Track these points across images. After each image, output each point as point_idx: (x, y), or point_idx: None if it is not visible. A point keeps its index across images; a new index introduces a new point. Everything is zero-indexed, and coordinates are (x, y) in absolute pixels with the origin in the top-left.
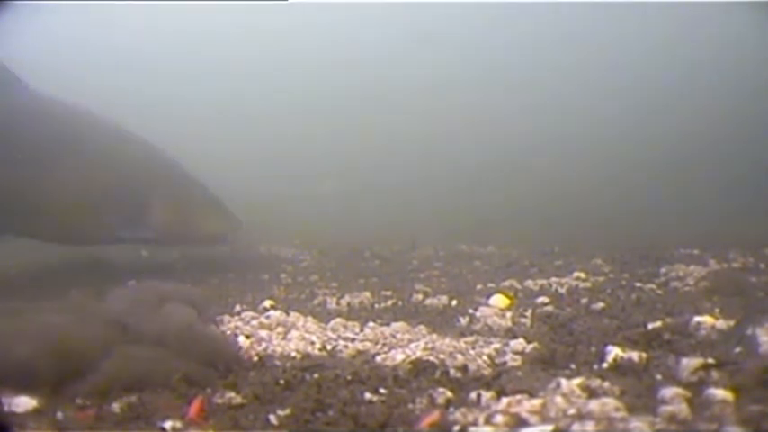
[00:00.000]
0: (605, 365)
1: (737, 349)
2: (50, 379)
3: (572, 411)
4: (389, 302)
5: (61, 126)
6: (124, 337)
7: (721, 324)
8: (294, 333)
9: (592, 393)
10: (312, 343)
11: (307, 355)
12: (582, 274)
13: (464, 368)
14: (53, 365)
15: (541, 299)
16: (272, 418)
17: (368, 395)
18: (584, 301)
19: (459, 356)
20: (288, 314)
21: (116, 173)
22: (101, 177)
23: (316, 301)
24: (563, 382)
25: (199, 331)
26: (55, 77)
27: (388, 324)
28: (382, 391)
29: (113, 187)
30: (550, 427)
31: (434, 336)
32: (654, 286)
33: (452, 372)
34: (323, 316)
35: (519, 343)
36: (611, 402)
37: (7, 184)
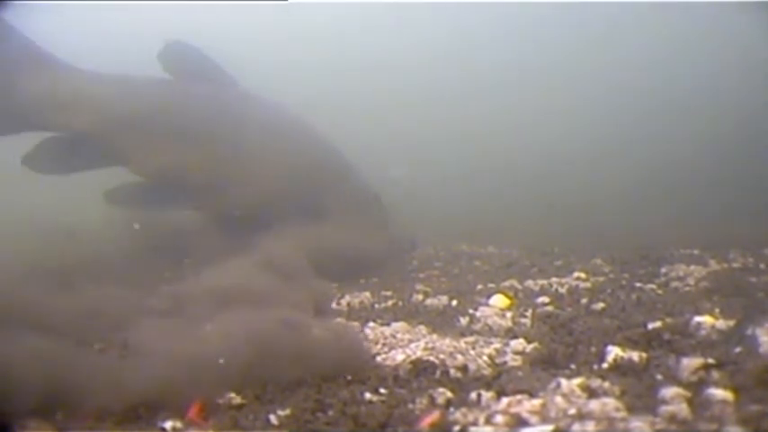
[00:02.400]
0: (605, 365)
1: (737, 349)
2: None
3: (572, 411)
4: (389, 302)
5: (265, 118)
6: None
7: (721, 324)
8: None
9: (592, 393)
10: None
11: None
12: (582, 274)
13: (464, 368)
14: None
15: (542, 299)
16: (272, 418)
17: (368, 395)
18: (584, 301)
19: (460, 356)
20: None
21: (305, 165)
22: (293, 167)
23: None
24: (563, 382)
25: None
26: None
27: (388, 324)
28: (382, 391)
29: (302, 177)
30: (551, 427)
31: (434, 336)
32: (654, 286)
33: (453, 372)
34: (323, 316)
35: (519, 343)
36: (611, 402)
37: (212, 166)
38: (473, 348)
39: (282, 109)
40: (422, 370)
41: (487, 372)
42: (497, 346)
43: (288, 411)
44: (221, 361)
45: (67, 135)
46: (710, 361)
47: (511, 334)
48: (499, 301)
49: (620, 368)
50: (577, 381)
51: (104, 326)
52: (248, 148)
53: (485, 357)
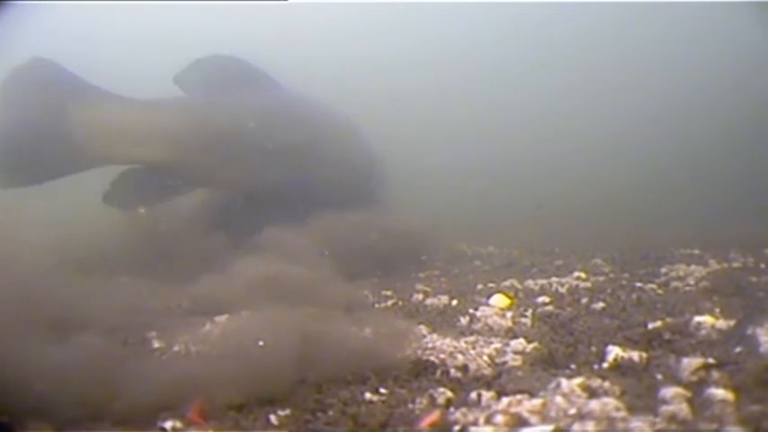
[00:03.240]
0: (606, 365)
1: (737, 349)
2: None
3: (572, 411)
4: (389, 302)
5: (313, 118)
6: None
7: (721, 324)
8: None
9: (592, 393)
10: None
11: None
12: (582, 274)
13: (464, 368)
14: None
15: (542, 299)
16: (273, 418)
17: (368, 395)
18: (584, 300)
19: (460, 356)
20: None
21: (348, 162)
22: (338, 164)
23: None
24: (563, 381)
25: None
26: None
27: None
28: (382, 391)
29: (346, 171)
30: (551, 426)
31: (435, 335)
32: (654, 286)
33: (453, 372)
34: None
35: (519, 343)
36: (611, 402)
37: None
38: (473, 348)
39: (330, 107)
40: (422, 370)
41: (487, 371)
42: (497, 345)
43: (288, 411)
44: (261, 343)
45: (141, 168)
46: (710, 361)
47: (511, 334)
48: (499, 300)
49: (620, 368)
50: (577, 381)
51: (135, 324)
52: (319, 151)
53: (485, 357)
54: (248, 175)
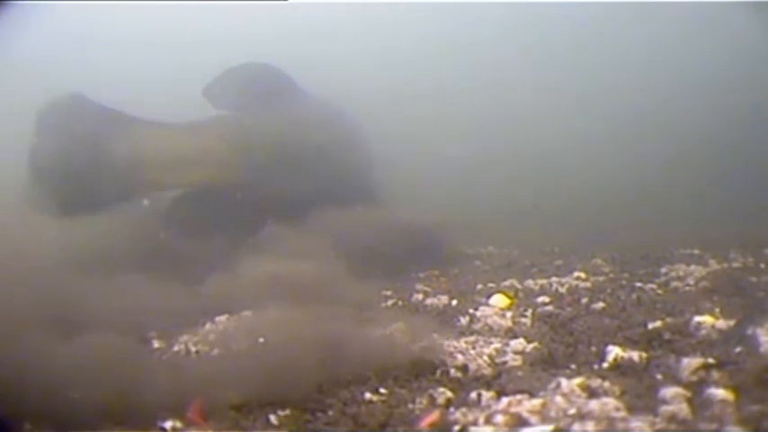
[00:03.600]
0: (606, 365)
1: (737, 349)
2: None
3: (572, 411)
4: (389, 302)
5: (329, 122)
6: None
7: (721, 324)
8: None
9: (592, 393)
10: None
11: None
12: (582, 274)
13: (464, 368)
14: None
15: (542, 299)
16: (272, 418)
17: (368, 395)
18: (584, 300)
19: (460, 356)
20: None
21: (356, 163)
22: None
23: None
24: (563, 381)
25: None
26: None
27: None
28: (382, 391)
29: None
30: (550, 426)
31: (435, 335)
32: (654, 286)
33: (453, 371)
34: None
35: (519, 343)
36: (611, 402)
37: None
38: (473, 348)
39: (342, 108)
40: (422, 370)
41: (487, 371)
42: (497, 345)
43: (288, 411)
44: (261, 340)
45: (189, 192)
46: (710, 361)
47: (511, 334)
48: (499, 300)
49: (620, 368)
50: (577, 381)
51: (135, 324)
52: (342, 157)
53: (485, 357)
54: (290, 187)
